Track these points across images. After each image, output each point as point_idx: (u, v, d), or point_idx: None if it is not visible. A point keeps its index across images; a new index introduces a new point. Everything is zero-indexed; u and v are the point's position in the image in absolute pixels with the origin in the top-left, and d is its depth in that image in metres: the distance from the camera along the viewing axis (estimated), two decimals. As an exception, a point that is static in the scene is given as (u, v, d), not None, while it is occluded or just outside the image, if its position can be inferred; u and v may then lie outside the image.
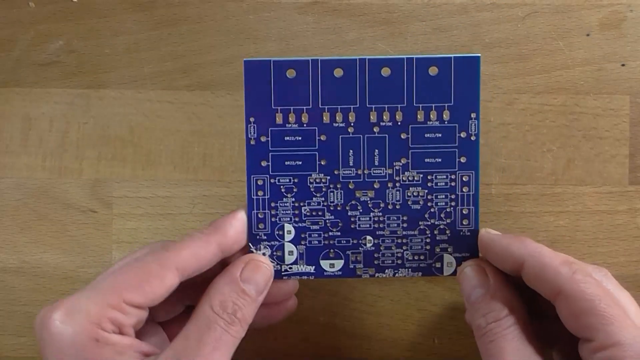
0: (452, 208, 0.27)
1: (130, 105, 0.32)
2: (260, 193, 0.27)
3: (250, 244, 0.27)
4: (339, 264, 0.28)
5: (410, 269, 0.28)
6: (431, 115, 0.27)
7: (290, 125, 0.27)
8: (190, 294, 0.27)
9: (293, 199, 0.27)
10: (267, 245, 0.27)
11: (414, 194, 0.27)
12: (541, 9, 0.31)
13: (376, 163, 0.27)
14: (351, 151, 0.27)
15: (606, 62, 0.32)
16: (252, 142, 0.27)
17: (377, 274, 0.28)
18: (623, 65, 0.32)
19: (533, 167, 0.32)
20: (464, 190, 0.27)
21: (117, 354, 0.23)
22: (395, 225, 0.27)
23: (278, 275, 0.27)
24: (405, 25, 0.32)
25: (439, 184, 0.27)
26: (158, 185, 0.32)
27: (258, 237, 0.27)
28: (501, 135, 0.32)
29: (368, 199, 0.27)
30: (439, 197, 0.27)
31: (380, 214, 0.27)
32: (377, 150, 0.27)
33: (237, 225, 0.27)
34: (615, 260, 0.32)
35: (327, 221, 0.27)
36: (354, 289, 0.32)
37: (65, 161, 0.32)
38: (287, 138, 0.27)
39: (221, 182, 0.32)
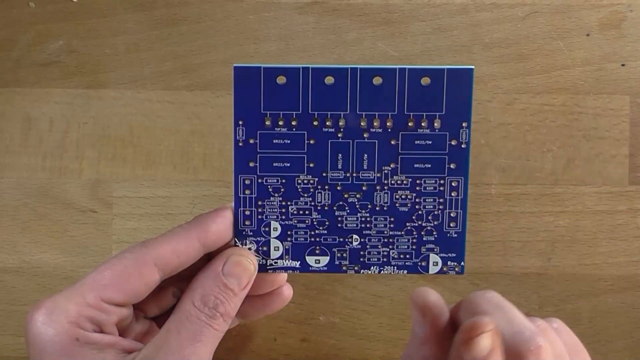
0: (440, 211, 0.27)
1: (130, 105, 0.32)
2: (247, 192, 0.27)
3: (235, 238, 0.27)
4: (324, 260, 0.28)
5: (395, 267, 0.28)
6: (422, 123, 0.27)
7: (279, 129, 0.27)
8: (182, 287, 0.27)
9: (280, 198, 0.27)
10: (253, 240, 0.27)
11: (402, 196, 0.27)
12: (541, 9, 0.31)
13: (365, 167, 0.27)
14: (340, 155, 0.27)
15: (606, 62, 0.31)
16: (240, 144, 0.27)
17: (362, 271, 0.28)
18: (623, 65, 0.32)
19: (533, 167, 0.32)
20: (452, 194, 0.27)
21: (98, 352, 0.23)
22: (382, 225, 0.27)
23: (263, 269, 0.27)
24: (405, 25, 0.32)
25: (427, 188, 0.27)
26: (158, 185, 0.32)
27: (244, 232, 0.27)
28: (501, 135, 0.32)
29: (356, 200, 0.27)
30: (427, 200, 0.27)
31: (368, 214, 0.27)
32: (366, 155, 0.27)
33: (220, 221, 0.26)
34: (615, 260, 0.32)
35: (314, 220, 0.27)
36: (354, 288, 0.32)
37: (65, 161, 0.32)
38: (275, 141, 0.27)
39: (221, 182, 0.32)
